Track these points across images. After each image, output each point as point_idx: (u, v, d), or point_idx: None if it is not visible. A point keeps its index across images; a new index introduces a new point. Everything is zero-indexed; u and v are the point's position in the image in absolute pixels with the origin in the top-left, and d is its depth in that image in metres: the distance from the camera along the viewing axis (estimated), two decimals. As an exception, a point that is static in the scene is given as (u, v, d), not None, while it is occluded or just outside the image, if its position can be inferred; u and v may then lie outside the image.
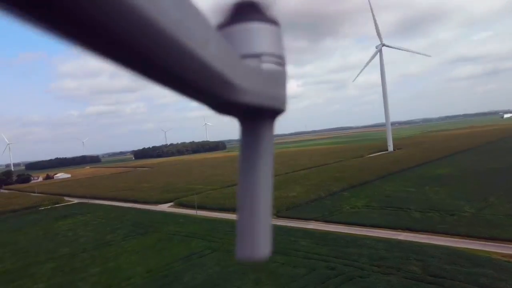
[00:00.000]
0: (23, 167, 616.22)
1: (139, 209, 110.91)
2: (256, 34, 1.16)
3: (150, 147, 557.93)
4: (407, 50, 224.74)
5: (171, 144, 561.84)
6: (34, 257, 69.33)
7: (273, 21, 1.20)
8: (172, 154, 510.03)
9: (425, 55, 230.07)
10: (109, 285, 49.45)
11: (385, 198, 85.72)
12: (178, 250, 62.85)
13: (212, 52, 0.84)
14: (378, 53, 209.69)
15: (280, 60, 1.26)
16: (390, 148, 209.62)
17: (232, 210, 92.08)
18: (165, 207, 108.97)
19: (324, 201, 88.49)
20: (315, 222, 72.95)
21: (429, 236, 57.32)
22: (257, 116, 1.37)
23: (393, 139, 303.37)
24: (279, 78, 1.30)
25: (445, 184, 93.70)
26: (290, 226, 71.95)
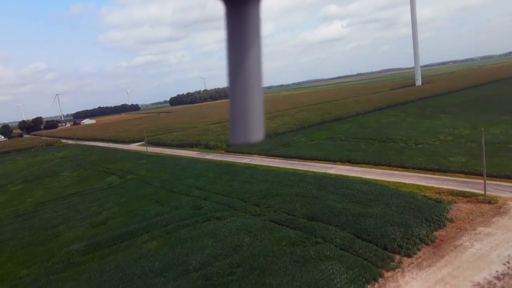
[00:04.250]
0: (71, 117, 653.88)
1: (107, 148, 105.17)
2: None
3: (185, 93, 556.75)
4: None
5: (205, 90, 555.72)
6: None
7: None
8: (205, 100, 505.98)
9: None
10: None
11: (360, 129, 70.69)
12: (83, 185, 54.65)
13: None
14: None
15: None
16: (418, 82, 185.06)
17: (188, 145, 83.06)
18: (134, 146, 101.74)
19: (286, 136, 75.22)
20: (258, 156, 60.80)
21: (363, 168, 43.58)
22: None
23: (432, 76, 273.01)
24: None
25: (445, 113, 76.23)
26: (220, 160, 60.63)
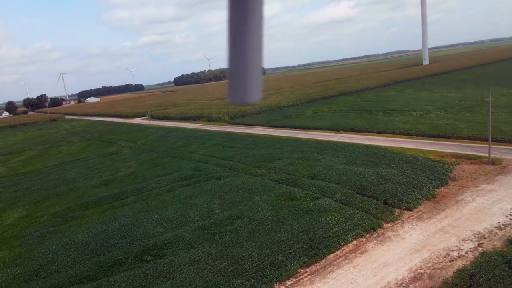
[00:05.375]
0: (76, 96, 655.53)
1: (111, 121, 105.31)
2: None
3: (189, 73, 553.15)
4: None
5: (209, 70, 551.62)
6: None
7: None
8: (210, 80, 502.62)
9: None
10: None
11: (363, 102, 69.87)
12: (86, 153, 54.78)
13: None
14: None
15: None
16: (426, 61, 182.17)
17: (191, 118, 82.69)
18: (137, 120, 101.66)
19: (289, 109, 74.68)
20: (260, 127, 60.46)
21: (366, 136, 43.19)
22: None
23: (441, 56, 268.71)
24: None
25: (451, 87, 75.07)
26: (223, 130, 60.37)
